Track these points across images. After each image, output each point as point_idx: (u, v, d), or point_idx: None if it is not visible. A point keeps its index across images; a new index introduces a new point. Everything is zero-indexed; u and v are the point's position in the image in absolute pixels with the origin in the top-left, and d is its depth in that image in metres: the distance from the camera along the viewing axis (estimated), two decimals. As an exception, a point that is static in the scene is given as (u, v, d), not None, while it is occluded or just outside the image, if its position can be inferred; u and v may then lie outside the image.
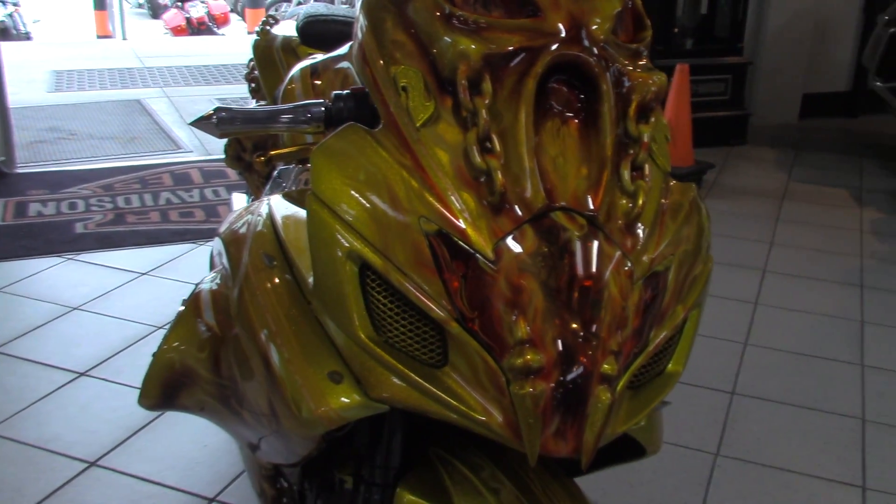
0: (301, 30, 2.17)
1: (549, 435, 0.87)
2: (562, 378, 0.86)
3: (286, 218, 1.15)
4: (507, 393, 0.88)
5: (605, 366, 0.88)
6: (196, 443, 2.40)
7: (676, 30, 5.70)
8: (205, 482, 2.26)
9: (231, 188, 4.42)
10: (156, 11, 15.09)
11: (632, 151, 0.94)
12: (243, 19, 13.80)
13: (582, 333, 0.87)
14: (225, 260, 1.27)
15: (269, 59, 2.26)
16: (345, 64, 1.56)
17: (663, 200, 1.00)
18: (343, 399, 1.00)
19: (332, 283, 0.95)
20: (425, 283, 0.90)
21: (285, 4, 13.47)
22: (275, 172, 1.77)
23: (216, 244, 1.36)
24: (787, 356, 3.02)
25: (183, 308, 1.34)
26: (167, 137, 5.48)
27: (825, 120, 6.39)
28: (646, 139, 0.94)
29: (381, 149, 0.96)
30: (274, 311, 1.09)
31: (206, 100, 6.47)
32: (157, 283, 3.41)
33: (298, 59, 2.01)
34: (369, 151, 0.96)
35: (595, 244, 0.89)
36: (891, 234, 4.26)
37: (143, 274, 3.49)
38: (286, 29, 2.31)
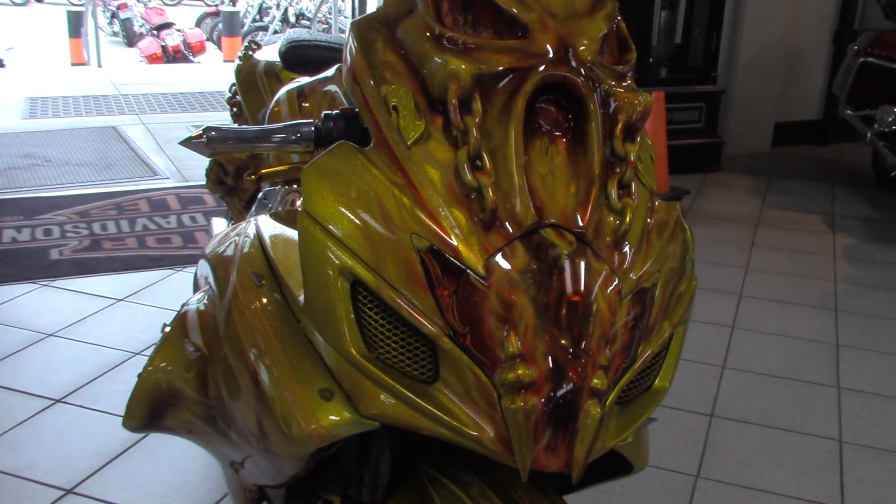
0: (284, 55, 2.18)
1: (541, 449, 0.88)
2: (552, 393, 0.87)
3: (274, 237, 1.15)
4: (499, 408, 0.89)
5: (595, 380, 0.89)
6: (174, 469, 2.38)
7: (651, 59, 5.78)
8: (184, 509, 2.23)
9: (208, 214, 4.41)
10: (131, 40, 15.06)
11: (618, 170, 0.95)
12: (219, 48, 13.80)
13: (572, 349, 0.88)
14: (212, 280, 1.27)
15: (251, 83, 2.27)
16: (331, 87, 1.57)
17: (649, 219, 1.01)
18: (333, 416, 1.00)
19: (324, 300, 0.95)
20: (417, 299, 0.91)
21: (262, 33, 13.52)
22: (260, 194, 1.77)
23: (201, 266, 1.36)
24: (765, 379, 3.04)
25: (169, 329, 1.33)
26: (143, 164, 5.46)
27: (797, 148, 6.49)
28: (632, 158, 0.95)
29: (373, 167, 0.96)
30: (263, 330, 1.09)
31: (182, 126, 6.46)
32: (134, 310, 3.38)
33: (281, 83, 2.02)
34: (361, 169, 0.97)
35: (584, 261, 0.90)
36: (863, 259, 4.32)
37: (120, 300, 3.47)
38: (269, 54, 2.33)
